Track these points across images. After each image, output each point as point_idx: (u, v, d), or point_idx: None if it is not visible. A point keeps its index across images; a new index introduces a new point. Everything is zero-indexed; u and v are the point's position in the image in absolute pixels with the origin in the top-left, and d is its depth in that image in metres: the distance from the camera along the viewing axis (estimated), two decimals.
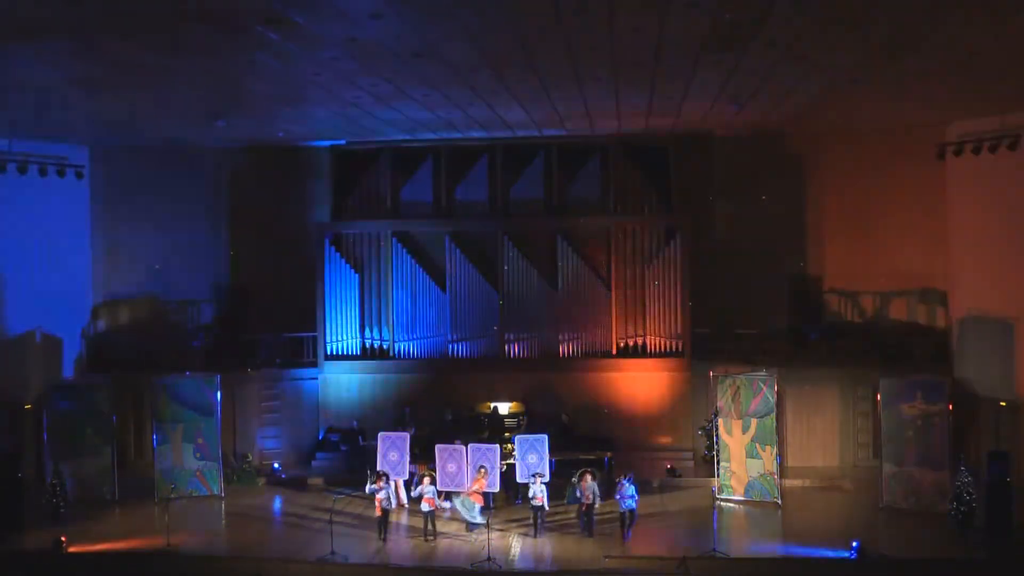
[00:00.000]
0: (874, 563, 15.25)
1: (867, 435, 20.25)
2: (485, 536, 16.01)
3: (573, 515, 17.30)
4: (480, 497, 17.16)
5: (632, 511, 16.59)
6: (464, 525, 17.24)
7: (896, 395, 18.09)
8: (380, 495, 16.71)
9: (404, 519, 18.05)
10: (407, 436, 18.85)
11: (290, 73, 14.69)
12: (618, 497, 16.70)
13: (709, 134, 22.20)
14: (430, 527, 16.78)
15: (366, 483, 17.49)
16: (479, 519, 16.87)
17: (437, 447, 18.33)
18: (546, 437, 18.39)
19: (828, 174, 22.41)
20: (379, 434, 19.02)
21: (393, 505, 17.26)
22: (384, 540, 16.68)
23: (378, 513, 16.78)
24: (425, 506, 16.81)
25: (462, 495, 17.45)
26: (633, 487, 16.61)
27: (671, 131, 21.60)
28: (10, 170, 19.98)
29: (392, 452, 18.60)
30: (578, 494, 16.89)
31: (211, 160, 23.18)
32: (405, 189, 22.88)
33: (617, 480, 17.00)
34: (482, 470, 17.45)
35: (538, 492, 16.88)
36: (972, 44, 13.39)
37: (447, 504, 17.91)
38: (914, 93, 17.18)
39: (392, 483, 17.50)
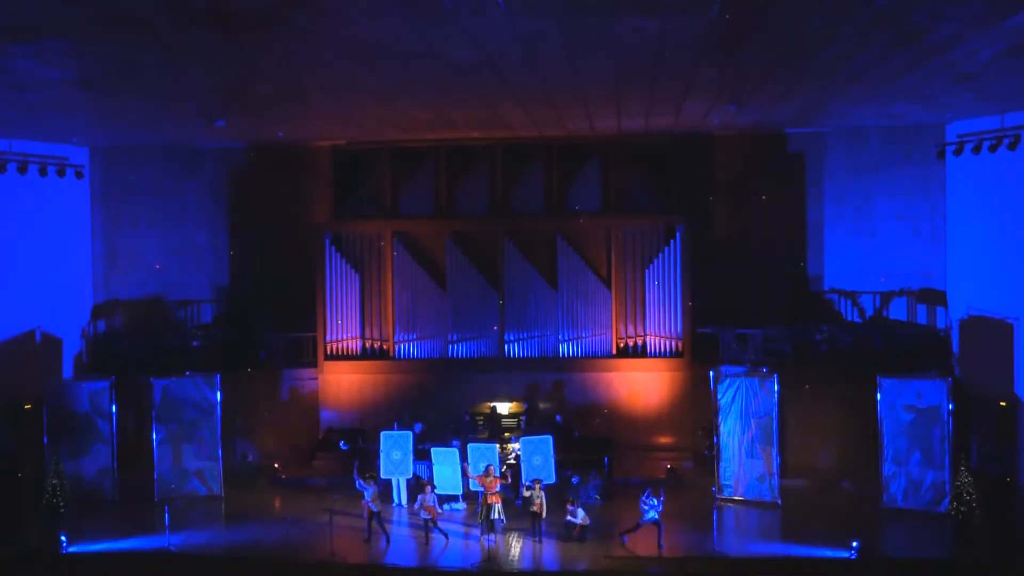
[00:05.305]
0: (874, 563, 15.25)
1: (867, 435, 20.23)
2: (503, 537, 15.98)
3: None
4: (497, 497, 16.31)
5: (657, 521, 16.04)
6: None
7: (896, 395, 18.09)
8: (366, 496, 16.52)
9: (404, 519, 18.04)
10: (410, 435, 18.85)
11: (290, 73, 14.69)
12: (643, 508, 16.07)
13: (709, 134, 22.21)
14: (430, 534, 16.62)
15: (356, 478, 16.96)
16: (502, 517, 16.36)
17: (432, 450, 18.31)
18: (551, 438, 18.20)
19: (828, 173, 22.42)
20: (381, 433, 19.00)
21: (379, 507, 16.72)
22: (370, 537, 16.48)
23: (366, 514, 16.63)
24: (424, 514, 16.56)
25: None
26: (655, 499, 16.07)
27: (671, 131, 21.59)
28: (10, 170, 20.04)
29: (395, 451, 18.59)
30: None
31: (211, 160, 23.19)
32: (405, 189, 22.88)
33: (645, 492, 16.28)
34: (489, 469, 16.76)
35: (535, 498, 16.36)
36: (971, 43, 13.40)
37: (448, 508, 17.87)
38: (914, 93, 17.17)
39: (381, 484, 17.31)
